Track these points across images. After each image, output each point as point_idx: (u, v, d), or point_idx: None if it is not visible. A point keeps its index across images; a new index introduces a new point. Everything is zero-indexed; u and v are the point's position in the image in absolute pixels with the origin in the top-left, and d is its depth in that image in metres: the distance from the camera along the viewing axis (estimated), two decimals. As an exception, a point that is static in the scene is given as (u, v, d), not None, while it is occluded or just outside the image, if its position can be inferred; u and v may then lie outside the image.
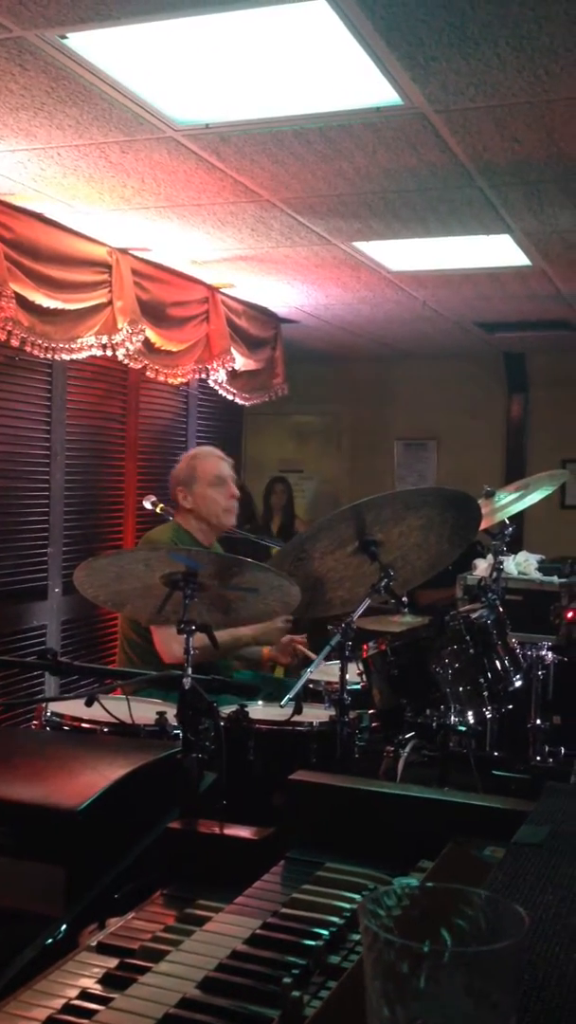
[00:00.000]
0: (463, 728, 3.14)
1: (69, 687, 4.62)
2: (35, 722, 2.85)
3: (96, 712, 2.56)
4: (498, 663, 3.10)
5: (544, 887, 1.09)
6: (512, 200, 3.56)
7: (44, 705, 2.86)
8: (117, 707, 2.65)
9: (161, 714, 2.66)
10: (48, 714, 2.81)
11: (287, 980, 1.03)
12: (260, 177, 3.35)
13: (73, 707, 2.76)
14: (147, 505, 4.11)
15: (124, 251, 4.30)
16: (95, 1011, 1.08)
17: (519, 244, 4.17)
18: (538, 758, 3.89)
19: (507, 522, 3.95)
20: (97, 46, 2.43)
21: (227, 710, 2.86)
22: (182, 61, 2.52)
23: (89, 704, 2.46)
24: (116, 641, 4.56)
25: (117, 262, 4.23)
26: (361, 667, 3.12)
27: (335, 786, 1.57)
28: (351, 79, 2.58)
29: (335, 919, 1.22)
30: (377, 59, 2.44)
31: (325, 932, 1.18)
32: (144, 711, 2.71)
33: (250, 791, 2.64)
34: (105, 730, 2.68)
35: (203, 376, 5.21)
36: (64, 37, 2.37)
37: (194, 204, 3.70)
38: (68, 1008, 1.10)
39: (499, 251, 4.30)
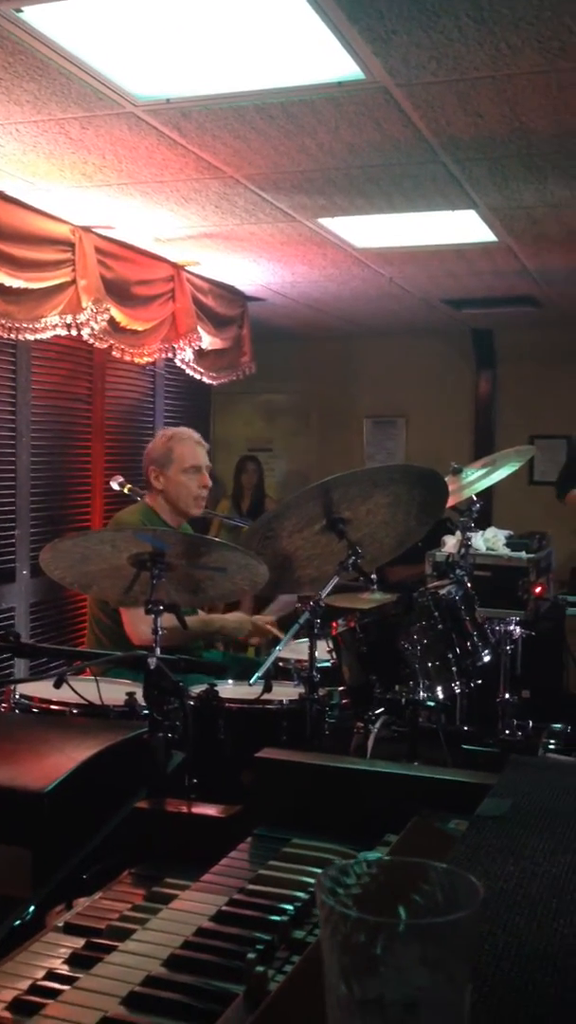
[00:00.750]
0: (432, 703, 3.16)
1: (39, 669, 4.61)
2: (3, 704, 2.83)
3: (65, 694, 2.55)
4: (467, 639, 3.12)
5: (506, 858, 1.10)
6: (476, 175, 3.56)
7: (12, 687, 2.85)
8: (86, 688, 2.64)
9: (131, 695, 2.66)
10: (17, 696, 2.80)
11: (251, 956, 1.03)
12: (223, 153, 3.32)
13: (42, 689, 2.75)
14: (114, 486, 4.08)
15: (87, 229, 4.26)
16: (61, 991, 1.08)
17: (484, 220, 4.17)
18: (507, 732, 3.93)
19: (475, 498, 3.97)
20: (53, 19, 2.38)
21: (197, 689, 2.86)
22: (140, 34, 2.48)
23: (57, 686, 2.46)
24: (85, 623, 4.54)
25: (80, 240, 4.18)
26: (330, 644, 3.13)
27: (301, 763, 1.57)
28: (312, 53, 2.56)
29: (300, 894, 1.23)
30: (338, 32, 2.41)
31: (290, 907, 1.19)
32: (114, 692, 2.70)
33: (221, 769, 2.65)
34: (74, 711, 2.67)
35: (170, 355, 5.18)
36: (19, 11, 2.32)
37: (157, 181, 3.67)
38: (34, 989, 1.10)
39: (465, 227, 4.29)
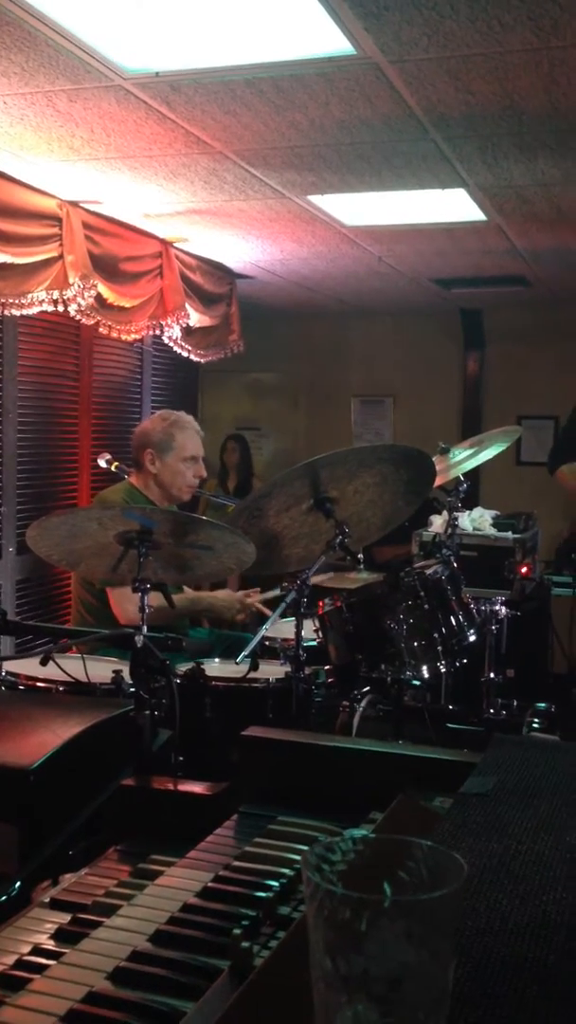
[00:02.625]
0: (418, 682, 3.18)
1: (26, 647, 4.60)
2: (-11, 682, 2.83)
3: (52, 671, 2.56)
4: (452, 618, 3.14)
5: (490, 835, 1.11)
6: (467, 154, 3.54)
7: (-2, 665, 2.85)
8: (73, 666, 2.64)
9: (117, 672, 2.66)
10: (3, 673, 2.80)
11: (236, 931, 1.04)
12: (212, 128, 3.29)
13: (28, 666, 2.75)
14: (101, 463, 4.08)
15: (75, 204, 4.21)
16: (47, 966, 1.08)
17: (474, 198, 4.15)
18: (492, 711, 3.95)
19: (462, 478, 3.98)
20: (41, -11, 2.35)
21: (183, 668, 2.87)
22: (129, 6, 2.45)
23: (44, 663, 2.46)
24: (71, 601, 4.53)
25: (67, 215, 4.15)
26: (317, 623, 3.14)
27: (287, 741, 1.58)
28: (303, 27, 2.53)
29: (286, 871, 1.24)
30: (329, 7, 2.39)
31: (275, 884, 1.20)
32: (100, 670, 2.70)
33: (207, 748, 2.66)
34: (61, 689, 2.68)
35: (157, 332, 5.15)
36: (6, -21, 2.29)
37: (145, 155, 3.63)
38: (20, 964, 1.10)
39: (454, 206, 4.27)
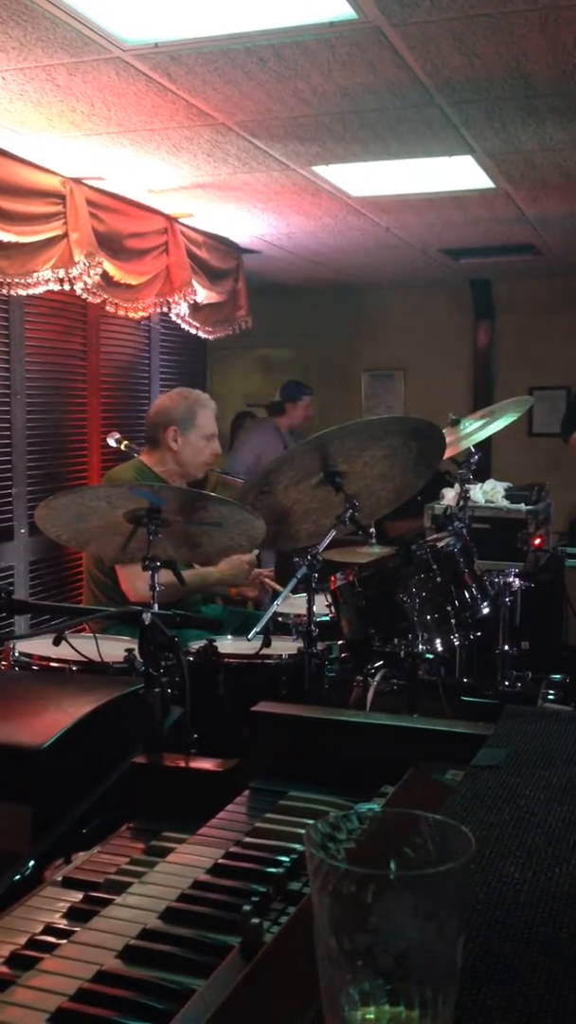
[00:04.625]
0: (431, 656, 3.16)
1: (39, 626, 4.61)
2: (3, 662, 2.84)
3: (65, 651, 2.55)
4: (465, 591, 3.11)
5: (501, 807, 1.09)
6: (473, 119, 3.48)
7: (11, 644, 2.85)
8: (85, 645, 2.64)
9: (129, 651, 2.65)
10: (16, 654, 2.80)
11: (247, 908, 1.03)
12: (214, 99, 3.25)
13: (41, 646, 2.75)
14: (111, 442, 4.07)
15: (78, 181, 4.18)
16: (58, 945, 1.08)
17: (481, 165, 4.09)
18: (506, 683, 3.94)
19: (472, 450, 3.95)
20: (35, -40, 2.32)
21: (196, 645, 2.86)
22: (126, -25, 2.42)
23: (56, 643, 2.45)
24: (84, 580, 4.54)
25: (71, 192, 4.11)
26: (329, 598, 3.13)
27: (297, 716, 1.57)
28: (303, -8, 2.49)
29: (297, 846, 1.23)
30: (329, -30, 2.35)
31: (286, 859, 1.19)
32: (113, 649, 2.70)
33: (221, 725, 2.65)
34: (73, 668, 2.68)
35: (164, 310, 5.12)
36: (0, -50, 2.26)
37: (147, 129, 3.59)
38: (32, 943, 1.10)
39: (462, 173, 4.22)
